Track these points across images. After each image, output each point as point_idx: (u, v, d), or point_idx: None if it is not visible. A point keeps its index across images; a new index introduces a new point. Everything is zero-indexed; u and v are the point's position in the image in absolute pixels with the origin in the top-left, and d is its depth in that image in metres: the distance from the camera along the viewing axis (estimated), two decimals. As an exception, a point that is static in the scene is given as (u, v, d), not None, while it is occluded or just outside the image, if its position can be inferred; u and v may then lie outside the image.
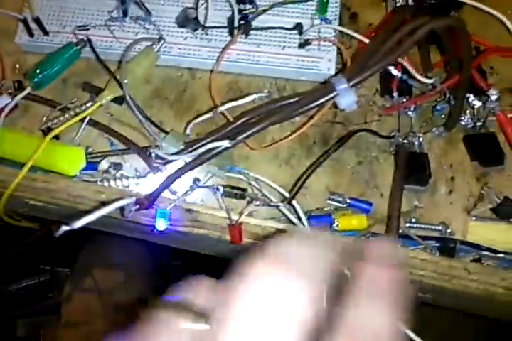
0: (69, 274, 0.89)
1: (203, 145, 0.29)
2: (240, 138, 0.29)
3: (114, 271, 0.87)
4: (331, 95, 0.32)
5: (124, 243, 0.81)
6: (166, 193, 0.33)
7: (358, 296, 0.19)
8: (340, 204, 0.37)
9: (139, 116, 0.37)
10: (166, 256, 0.85)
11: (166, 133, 0.37)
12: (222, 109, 0.32)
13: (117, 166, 0.36)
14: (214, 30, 0.41)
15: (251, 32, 0.41)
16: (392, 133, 0.40)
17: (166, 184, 0.31)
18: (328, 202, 0.38)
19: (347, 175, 0.39)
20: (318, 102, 0.32)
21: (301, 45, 0.40)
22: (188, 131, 0.35)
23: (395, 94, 0.41)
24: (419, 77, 0.35)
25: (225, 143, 0.27)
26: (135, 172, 0.37)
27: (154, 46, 0.39)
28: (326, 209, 0.38)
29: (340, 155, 0.40)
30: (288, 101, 0.31)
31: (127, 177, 0.35)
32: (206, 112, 0.33)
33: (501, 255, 0.36)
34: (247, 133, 0.30)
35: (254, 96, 0.30)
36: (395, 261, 0.20)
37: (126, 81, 0.37)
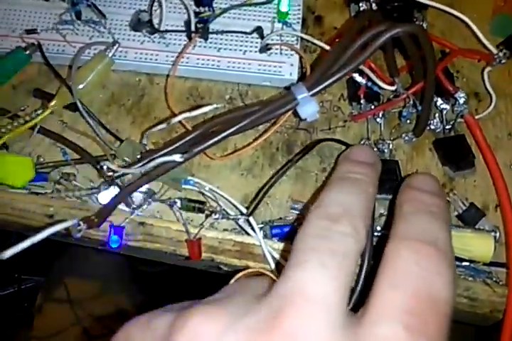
0: (42, 284, 0.86)
1: (154, 158, 0.27)
2: (195, 151, 0.28)
3: (89, 282, 0.85)
4: (291, 105, 0.31)
5: (103, 252, 0.79)
6: (120, 206, 0.31)
7: (406, 213, 0.22)
8: (303, 213, 0.36)
9: (91, 123, 0.35)
10: (145, 264, 0.83)
11: (122, 141, 0.36)
12: (175, 120, 0.30)
13: (69, 177, 0.34)
14: (172, 34, 0.39)
15: (211, 36, 0.39)
16: (361, 141, 0.39)
17: (117, 200, 0.29)
18: (291, 211, 0.37)
19: (311, 183, 0.38)
20: (278, 112, 0.30)
21: (262, 50, 0.39)
22: (144, 141, 0.33)
23: (362, 101, 0.40)
24: (381, 84, 0.35)
25: (176, 158, 0.26)
26: (89, 183, 0.35)
27: (108, 50, 0.37)
28: (288, 218, 0.37)
29: (304, 162, 0.39)
30: (247, 112, 0.30)
31: (80, 189, 0.33)
32: (163, 121, 0.32)
33: (467, 263, 0.35)
34: (201, 147, 0.28)
35: (209, 107, 0.28)
36: (435, 189, 0.24)
37: (79, 87, 0.36)
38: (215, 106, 0.27)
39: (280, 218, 0.37)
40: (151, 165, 0.27)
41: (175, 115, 0.36)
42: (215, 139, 0.28)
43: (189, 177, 0.32)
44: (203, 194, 0.32)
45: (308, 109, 0.31)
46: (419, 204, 0.22)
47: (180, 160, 0.26)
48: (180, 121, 0.33)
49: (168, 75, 0.37)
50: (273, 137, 0.39)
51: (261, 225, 0.35)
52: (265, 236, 0.35)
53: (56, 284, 0.85)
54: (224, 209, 0.31)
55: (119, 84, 0.40)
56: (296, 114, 0.33)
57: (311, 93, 0.30)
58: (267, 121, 0.32)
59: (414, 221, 0.21)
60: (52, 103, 0.35)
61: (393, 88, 0.35)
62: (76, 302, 0.83)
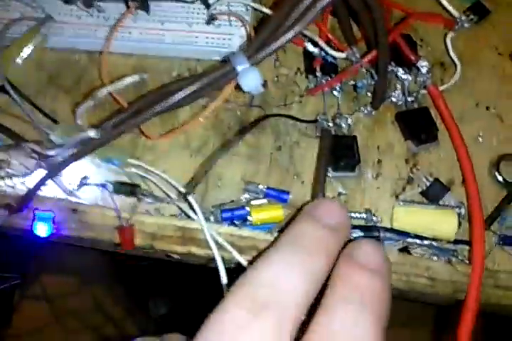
0: (19, 283, 0.85)
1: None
2: (121, 128, 0.25)
3: (66, 277, 0.84)
4: (230, 76, 0.28)
5: (80, 247, 0.78)
6: (50, 193, 0.29)
7: (334, 301, 0.17)
8: (256, 195, 0.34)
9: (23, 106, 0.32)
10: (126, 258, 0.81)
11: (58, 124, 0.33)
12: (100, 95, 0.27)
13: (2, 164, 0.32)
14: (112, 8, 0.36)
15: (154, 8, 0.37)
16: (317, 117, 0.37)
17: (40, 183, 0.27)
18: (244, 193, 0.34)
19: (265, 163, 0.36)
20: (216, 85, 0.28)
21: (209, 21, 0.36)
22: (78, 121, 0.31)
23: (318, 74, 0.37)
24: (333, 52, 0.32)
25: (91, 134, 0.23)
26: (24, 170, 0.33)
27: (41, 27, 0.35)
28: (241, 200, 0.34)
29: (257, 141, 0.36)
30: (181, 85, 0.28)
31: (11, 176, 0.31)
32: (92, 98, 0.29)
33: (429, 242, 0.33)
34: (132, 123, 0.26)
35: (132, 78, 0.26)
36: (379, 267, 0.18)
37: (8, 66, 0.33)
38: (137, 76, 0.25)
39: (232, 201, 0.34)
40: (71, 143, 0.25)
41: (115, 99, 0.34)
42: (143, 116, 0.26)
43: (130, 159, 0.30)
44: (142, 177, 0.30)
45: (250, 80, 0.28)
46: (353, 289, 0.17)
47: (95, 136, 0.23)
48: (116, 99, 0.30)
49: (102, 52, 0.35)
50: (224, 115, 0.37)
51: (212, 209, 0.33)
52: (216, 221, 0.33)
53: (32, 281, 0.84)
54: (165, 192, 0.29)
55: (57, 63, 0.37)
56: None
57: (251, 62, 0.28)
58: (205, 95, 0.29)
59: (340, 314, 0.17)
60: (-20, 84, 0.33)
61: (343, 55, 0.32)
62: (52, 298, 0.82)
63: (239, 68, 0.28)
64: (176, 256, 0.33)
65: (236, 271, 0.30)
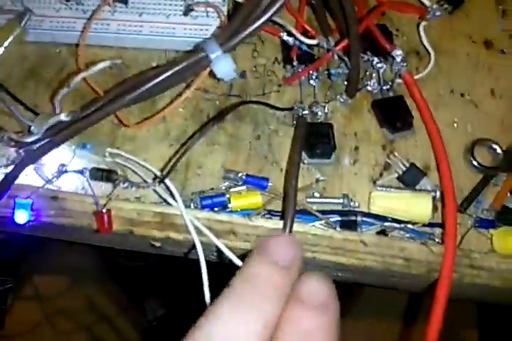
0: (12, 285, 0.85)
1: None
2: (99, 114, 0.26)
3: (57, 276, 0.84)
4: (203, 64, 0.29)
5: (74, 247, 0.78)
6: (28, 180, 0.30)
7: None
8: (236, 183, 0.35)
9: (4, 99, 0.33)
10: (120, 258, 0.81)
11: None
12: (74, 81, 0.28)
13: (-18, 155, 0.32)
14: (90, 0, 0.37)
15: (132, 0, 0.37)
16: (292, 105, 0.37)
17: (19, 168, 0.27)
18: (224, 182, 0.35)
19: (244, 151, 0.36)
20: (189, 73, 0.28)
21: (186, 12, 0.37)
22: (57, 110, 0.31)
23: (295, 63, 0.38)
24: (302, 39, 0.33)
25: (63, 117, 0.24)
26: (6, 161, 0.33)
27: (20, 20, 0.35)
28: (221, 188, 0.35)
29: (236, 130, 0.37)
30: (154, 73, 0.28)
31: (-8, 167, 0.31)
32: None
33: (406, 225, 0.34)
34: (109, 109, 0.26)
35: (104, 63, 0.26)
36: (325, 301, 0.18)
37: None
38: (109, 62, 0.25)
39: (212, 188, 0.35)
40: (46, 129, 0.25)
41: (93, 89, 0.34)
42: (120, 102, 0.26)
43: (109, 149, 0.30)
44: (120, 165, 0.31)
45: (223, 67, 0.29)
46: (300, 332, 0.18)
47: (66, 118, 0.24)
48: (92, 88, 0.31)
49: (77, 44, 0.35)
50: (203, 105, 0.37)
51: (191, 197, 0.34)
52: (196, 208, 0.33)
53: (25, 282, 0.84)
54: (142, 178, 0.30)
55: (37, 56, 0.38)
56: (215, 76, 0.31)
57: (224, 49, 0.28)
58: (179, 83, 0.30)
59: None
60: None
61: (315, 41, 0.33)
62: (45, 298, 0.82)
63: (212, 55, 0.28)
64: (157, 244, 0.34)
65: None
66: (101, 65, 0.26)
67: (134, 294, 0.84)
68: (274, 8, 0.27)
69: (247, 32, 0.28)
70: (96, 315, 0.84)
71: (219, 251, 0.32)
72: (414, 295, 0.53)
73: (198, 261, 0.29)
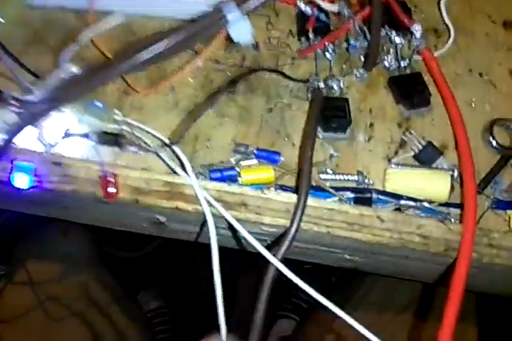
0: (4, 271, 0.83)
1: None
2: (107, 75, 0.24)
3: (50, 263, 0.82)
4: (220, 24, 0.27)
5: (69, 233, 0.76)
6: (32, 147, 0.28)
7: None
8: (246, 156, 0.33)
9: (7, 62, 0.31)
10: (115, 246, 0.80)
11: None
12: (84, 38, 0.26)
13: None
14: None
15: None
16: (308, 77, 0.36)
17: (20, 128, 0.26)
18: (234, 155, 0.34)
19: (256, 125, 0.35)
20: (205, 33, 0.27)
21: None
22: (63, 64, 0.30)
23: (310, 35, 0.36)
24: (322, 4, 0.31)
25: (74, 69, 0.22)
26: (4, 125, 0.32)
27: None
28: (231, 161, 0.33)
29: (248, 102, 0.35)
30: (168, 34, 0.27)
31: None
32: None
33: (422, 204, 0.32)
34: (117, 71, 0.25)
35: (114, 19, 0.25)
36: None
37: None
38: (120, 17, 0.24)
39: (222, 161, 0.34)
40: (50, 83, 0.24)
41: (103, 54, 0.33)
42: (129, 64, 0.25)
43: (115, 115, 0.29)
44: (122, 129, 0.29)
45: (241, 29, 0.27)
46: None
47: (77, 71, 0.22)
48: (101, 51, 0.29)
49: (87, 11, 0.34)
50: (214, 75, 0.36)
51: (200, 169, 0.33)
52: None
53: (17, 268, 0.82)
54: (147, 144, 0.28)
55: (44, 21, 0.36)
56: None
57: (242, 10, 0.27)
58: (195, 44, 0.28)
59: None
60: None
61: (336, 8, 0.31)
62: (37, 285, 0.80)
63: (229, 16, 0.27)
64: (162, 219, 0.32)
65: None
66: (111, 20, 0.24)
67: (128, 283, 0.83)
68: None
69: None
70: (89, 302, 0.82)
71: (229, 227, 0.31)
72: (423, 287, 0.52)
73: (198, 243, 0.27)
